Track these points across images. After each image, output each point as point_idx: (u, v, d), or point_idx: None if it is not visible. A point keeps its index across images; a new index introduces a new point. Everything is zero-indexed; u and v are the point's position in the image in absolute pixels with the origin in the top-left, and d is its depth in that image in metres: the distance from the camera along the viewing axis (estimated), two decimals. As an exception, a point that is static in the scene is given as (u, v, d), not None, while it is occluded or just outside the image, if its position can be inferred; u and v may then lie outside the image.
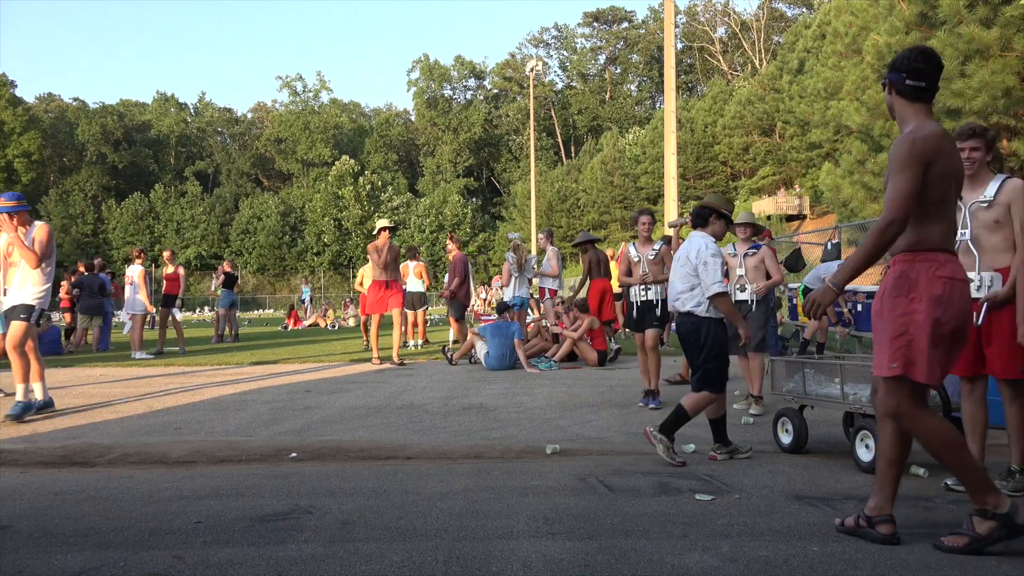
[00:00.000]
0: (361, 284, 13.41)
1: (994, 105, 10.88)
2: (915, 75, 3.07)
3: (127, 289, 12.86)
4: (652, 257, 6.84)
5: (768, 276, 6.54)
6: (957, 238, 3.90)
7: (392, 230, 10.97)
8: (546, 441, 5.20)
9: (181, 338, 13.63)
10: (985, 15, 11.19)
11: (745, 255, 6.61)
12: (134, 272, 12.73)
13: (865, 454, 4.41)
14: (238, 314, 20.45)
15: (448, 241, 13.32)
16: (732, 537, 3.17)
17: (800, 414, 4.86)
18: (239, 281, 17.65)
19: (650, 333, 6.75)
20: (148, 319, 12.92)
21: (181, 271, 13.75)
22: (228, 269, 17.19)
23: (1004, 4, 10.91)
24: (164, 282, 13.56)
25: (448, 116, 71.71)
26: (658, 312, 6.76)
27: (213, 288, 16.28)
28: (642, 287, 6.78)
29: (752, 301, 6.47)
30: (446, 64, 74.20)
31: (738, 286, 6.50)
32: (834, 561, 2.88)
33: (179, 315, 13.85)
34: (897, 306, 3.00)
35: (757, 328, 6.37)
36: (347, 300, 29.78)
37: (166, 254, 14.06)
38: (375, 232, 10.96)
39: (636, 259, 6.91)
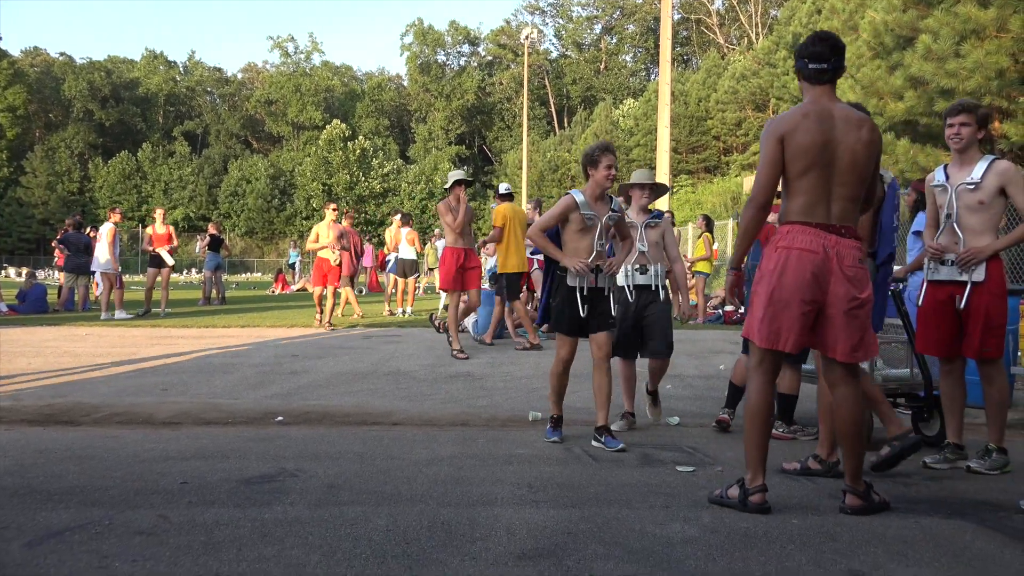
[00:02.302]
0: (316, 241, 11.20)
1: (988, 86, 10.84)
2: (815, 58, 3.22)
3: (97, 247, 12.66)
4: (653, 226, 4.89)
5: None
6: (943, 220, 3.97)
7: (468, 184, 8.45)
8: (532, 410, 5.24)
9: (165, 298, 13.46)
10: (981, -5, 11.14)
11: (646, 226, 4.93)
12: (104, 230, 12.53)
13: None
14: (225, 277, 20.33)
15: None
16: (713, 508, 3.22)
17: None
18: (227, 243, 17.50)
19: (604, 337, 4.44)
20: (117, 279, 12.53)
21: (172, 230, 13.58)
22: (214, 231, 17.06)
23: (1002, -16, 10.84)
24: (154, 242, 13.28)
25: (441, 82, 70.92)
26: (613, 307, 4.49)
27: (198, 250, 15.92)
28: (638, 268, 4.79)
29: (658, 288, 4.89)
30: (440, 29, 73.29)
31: (637, 266, 4.86)
32: (813, 533, 2.93)
33: (169, 260, 13.31)
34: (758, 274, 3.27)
35: (665, 329, 4.90)
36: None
37: (160, 212, 13.79)
38: (446, 187, 8.46)
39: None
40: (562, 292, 4.40)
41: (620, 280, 4.83)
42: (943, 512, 3.23)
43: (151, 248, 13.26)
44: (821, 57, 3.20)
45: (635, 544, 2.79)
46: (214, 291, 16.57)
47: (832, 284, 3.11)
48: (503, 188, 9.53)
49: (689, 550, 2.74)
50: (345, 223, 13.63)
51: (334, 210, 11.53)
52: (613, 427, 4.52)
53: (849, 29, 15.93)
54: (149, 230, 13.40)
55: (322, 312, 11.19)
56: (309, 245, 11.63)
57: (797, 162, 3.13)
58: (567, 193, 4.46)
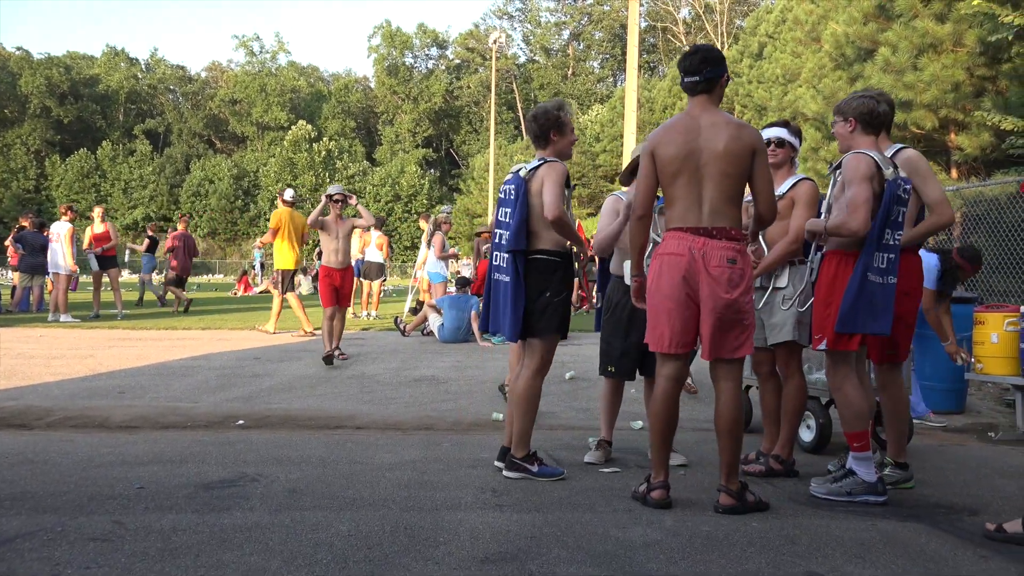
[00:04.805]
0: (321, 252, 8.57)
1: (943, 99, 11.12)
2: (687, 72, 3.33)
3: (51, 247, 12.32)
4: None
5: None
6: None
7: None
8: (495, 411, 5.23)
9: (118, 300, 13.04)
10: (940, 10, 11.42)
11: (659, 211, 3.89)
12: (61, 229, 12.21)
13: (806, 434, 4.55)
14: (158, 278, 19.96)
15: (421, 220, 13.42)
16: (676, 512, 3.24)
17: (745, 394, 5.00)
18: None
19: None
20: (72, 280, 12.19)
21: (110, 228, 13.18)
22: (152, 233, 16.79)
23: (957, 0, 11.14)
24: (92, 241, 12.89)
25: (408, 85, 70.72)
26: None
27: (137, 251, 15.31)
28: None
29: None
30: (408, 32, 73.09)
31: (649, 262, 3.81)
32: (773, 536, 2.96)
33: (93, 265, 12.83)
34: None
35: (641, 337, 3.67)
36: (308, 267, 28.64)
37: (98, 210, 13.42)
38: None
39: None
40: (567, 287, 3.78)
41: (628, 279, 3.81)
42: (899, 515, 3.29)
43: (87, 249, 12.96)
44: (691, 70, 3.32)
45: (598, 548, 2.80)
46: (161, 294, 16.11)
47: (700, 285, 3.22)
48: (288, 195, 10.36)
49: (651, 553, 2.75)
50: (180, 227, 14.36)
51: (336, 202, 7.89)
52: (587, 459, 4.10)
53: (812, 40, 16.25)
54: (88, 230, 13.03)
55: (336, 348, 7.75)
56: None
57: (665, 172, 3.29)
58: (547, 161, 3.72)
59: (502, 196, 3.78)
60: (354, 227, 8.14)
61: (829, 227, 3.47)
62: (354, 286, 9.26)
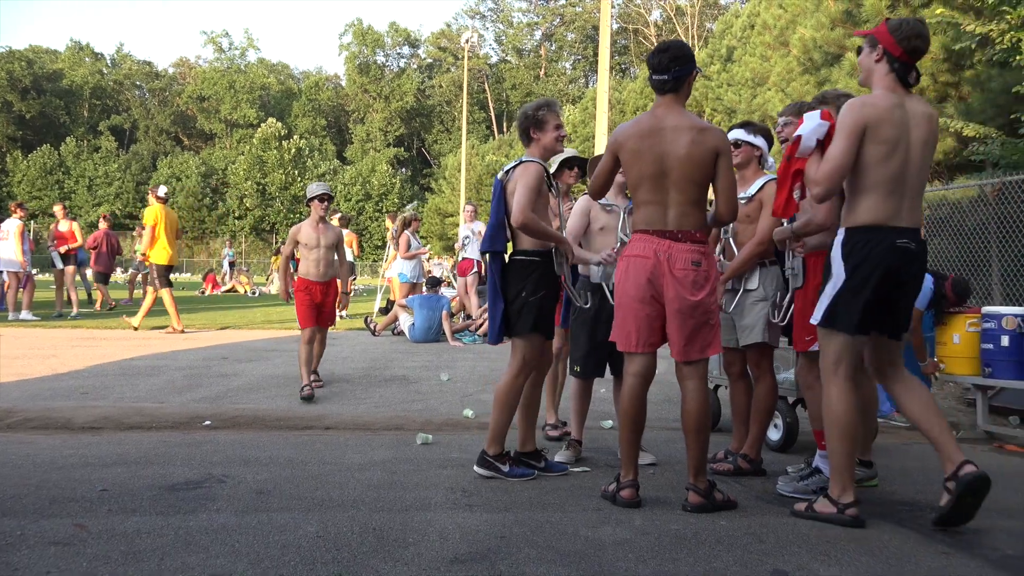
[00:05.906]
0: (288, 256, 6.93)
1: (908, 104, 11.36)
2: (656, 70, 3.31)
3: (1, 245, 12.07)
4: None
5: None
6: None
7: (576, 164, 4.77)
8: (466, 408, 5.22)
9: (60, 300, 12.67)
10: (905, 16, 11.67)
11: (628, 210, 3.96)
12: (10, 227, 11.96)
13: (774, 433, 4.60)
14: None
15: (388, 220, 13.37)
16: (645, 511, 3.26)
17: (714, 393, 5.06)
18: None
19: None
20: (24, 278, 11.93)
21: (76, 227, 13.01)
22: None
23: (923, 8, 11.35)
24: (56, 238, 12.71)
25: (380, 83, 70.37)
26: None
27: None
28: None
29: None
30: (380, 30, 72.74)
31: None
32: (741, 534, 2.99)
33: (58, 263, 12.63)
34: None
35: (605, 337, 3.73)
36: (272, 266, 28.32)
37: (58, 209, 13.33)
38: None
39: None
40: (546, 287, 3.72)
41: (596, 277, 4.08)
42: (864, 513, 3.34)
43: (53, 247, 12.72)
44: (660, 68, 3.30)
45: (568, 547, 2.80)
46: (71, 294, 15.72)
47: (664, 286, 3.25)
48: (161, 191, 10.64)
49: (620, 552, 2.76)
50: (103, 226, 14.36)
51: (321, 201, 6.30)
52: (557, 458, 4.08)
53: (780, 44, 16.45)
54: (52, 227, 12.88)
55: (313, 372, 6.25)
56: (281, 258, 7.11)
57: (629, 175, 3.34)
58: (524, 161, 3.73)
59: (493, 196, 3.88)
60: (340, 240, 6.49)
61: (796, 228, 3.51)
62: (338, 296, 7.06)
